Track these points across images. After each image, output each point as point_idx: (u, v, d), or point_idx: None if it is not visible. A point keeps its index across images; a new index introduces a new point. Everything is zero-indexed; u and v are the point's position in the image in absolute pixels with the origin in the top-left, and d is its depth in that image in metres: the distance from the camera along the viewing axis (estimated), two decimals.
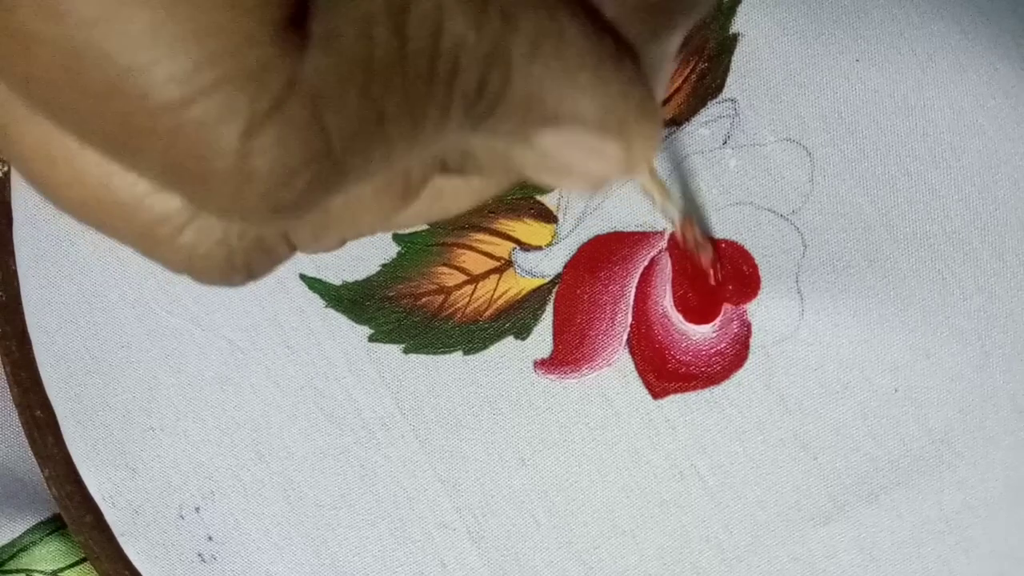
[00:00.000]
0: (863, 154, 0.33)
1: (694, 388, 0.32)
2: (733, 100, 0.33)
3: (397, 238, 0.34)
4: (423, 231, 0.34)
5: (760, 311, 0.32)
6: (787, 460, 0.32)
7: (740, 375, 0.32)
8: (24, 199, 0.35)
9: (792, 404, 0.32)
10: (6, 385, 0.35)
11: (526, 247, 0.33)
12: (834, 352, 0.32)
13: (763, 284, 0.32)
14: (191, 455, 0.33)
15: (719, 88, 0.33)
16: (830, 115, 0.33)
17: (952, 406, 0.32)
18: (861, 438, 0.32)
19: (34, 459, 0.34)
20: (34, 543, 0.35)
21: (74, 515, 0.33)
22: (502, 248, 0.33)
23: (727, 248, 0.33)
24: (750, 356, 0.32)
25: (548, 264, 0.33)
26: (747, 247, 0.32)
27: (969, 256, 0.32)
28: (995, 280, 0.32)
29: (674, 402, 0.32)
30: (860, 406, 0.32)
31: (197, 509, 0.33)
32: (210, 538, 0.33)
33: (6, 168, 0.36)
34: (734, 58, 0.33)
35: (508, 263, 0.33)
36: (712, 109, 0.33)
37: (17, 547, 0.35)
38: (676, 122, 0.33)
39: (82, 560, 0.34)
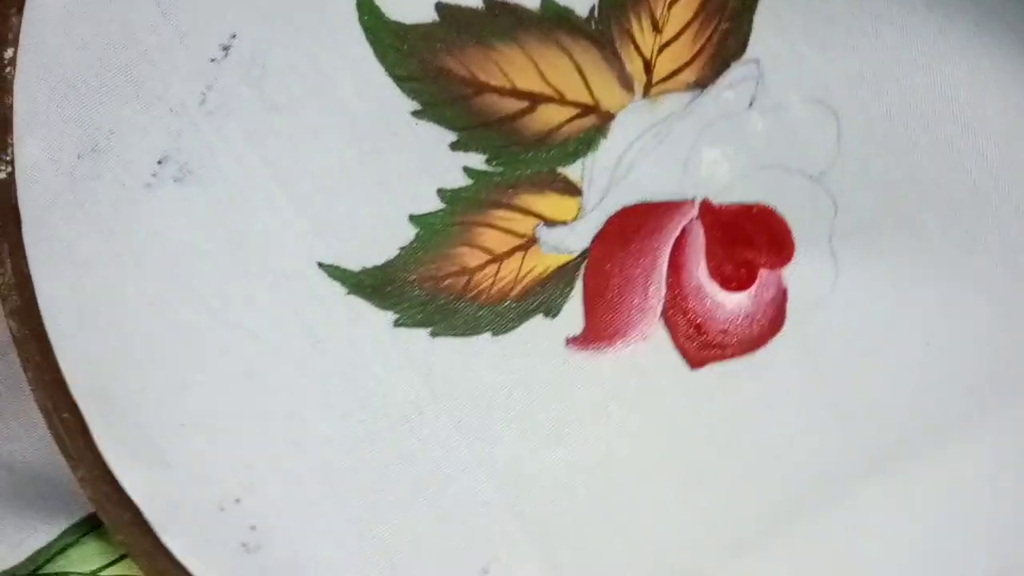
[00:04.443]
0: (887, 113, 0.30)
1: (731, 355, 0.30)
2: (757, 61, 0.29)
3: (413, 219, 0.30)
4: (440, 210, 0.30)
5: (795, 275, 0.30)
6: (825, 422, 0.29)
7: (777, 340, 0.29)
8: (32, 200, 0.31)
9: (828, 365, 0.30)
10: (28, 389, 0.32)
11: (550, 222, 0.30)
12: (868, 311, 0.29)
13: (797, 247, 0.29)
14: (226, 448, 0.30)
15: (742, 48, 0.29)
16: (853, 74, 0.29)
17: (981, 359, 0.29)
18: (896, 397, 0.29)
19: (63, 461, 0.31)
20: (71, 545, 0.32)
21: (112, 515, 0.30)
22: (525, 224, 0.30)
23: (759, 213, 0.30)
24: (786, 321, 0.29)
25: (574, 239, 0.30)
26: (779, 211, 0.29)
27: (988, 212, 0.29)
28: (1017, 235, 0.29)
29: (712, 370, 0.30)
30: (894, 363, 0.29)
31: (237, 500, 0.30)
32: (253, 528, 0.30)
33: (10, 169, 0.32)
34: (756, 17, 0.29)
35: (532, 240, 0.30)
36: (736, 71, 0.29)
37: (54, 550, 0.32)
38: (700, 85, 0.30)
39: (120, 558, 0.32)
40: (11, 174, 0.32)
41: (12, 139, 0.32)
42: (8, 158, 0.33)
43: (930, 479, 0.30)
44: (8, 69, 0.32)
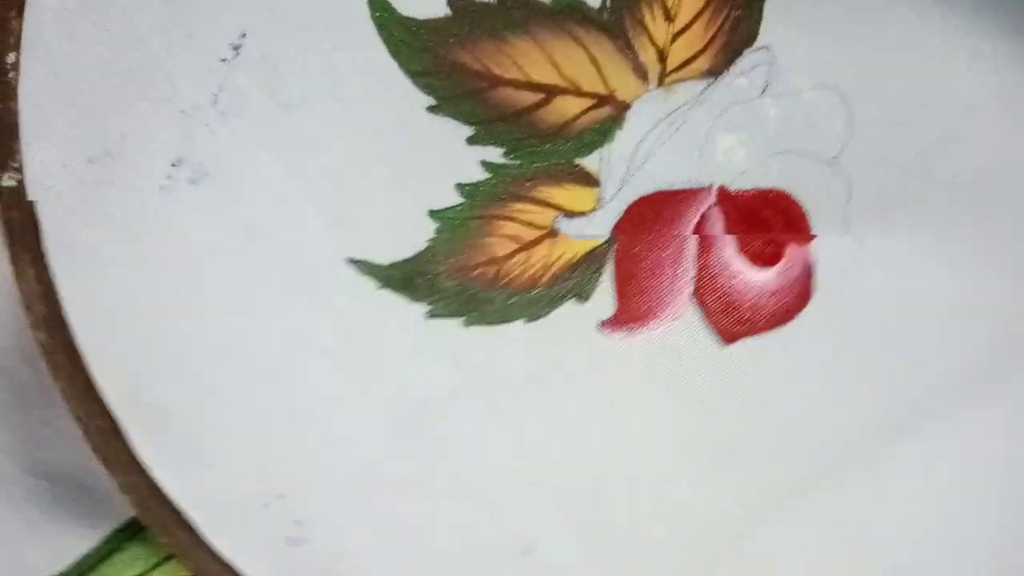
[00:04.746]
0: (893, 98, 0.28)
1: (761, 330, 0.29)
2: (768, 48, 0.28)
3: (433, 215, 0.29)
4: (459, 205, 0.28)
5: (818, 252, 0.29)
6: (853, 391, 0.29)
7: (804, 315, 0.29)
8: (48, 208, 0.31)
9: (854, 337, 0.29)
10: (57, 396, 0.32)
11: (570, 214, 0.28)
12: (886, 286, 0.29)
13: (814, 230, 0.29)
14: (265, 446, 0.29)
15: (753, 36, 0.28)
16: (860, 59, 0.28)
17: (994, 328, 0.29)
18: (917, 364, 0.29)
19: (99, 467, 0.31)
20: (114, 550, 0.31)
21: (155, 518, 0.29)
22: (545, 217, 0.28)
23: (775, 198, 0.28)
24: (813, 296, 0.29)
25: (594, 230, 0.28)
26: (794, 195, 0.28)
27: (992, 194, 0.29)
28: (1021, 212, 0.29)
29: (743, 346, 0.29)
30: (913, 334, 0.29)
31: (280, 496, 0.29)
32: (298, 522, 0.29)
33: (20, 176, 0.31)
34: (765, 5, 0.28)
35: (554, 232, 0.29)
36: (748, 59, 0.28)
37: (98, 556, 0.31)
38: (713, 73, 0.28)
39: (164, 560, 0.31)
40: (21, 182, 0.32)
41: (20, 146, 0.31)
42: (17, 165, 0.29)
43: (953, 443, 0.29)
44: (11, 74, 0.28)
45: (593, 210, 0.28)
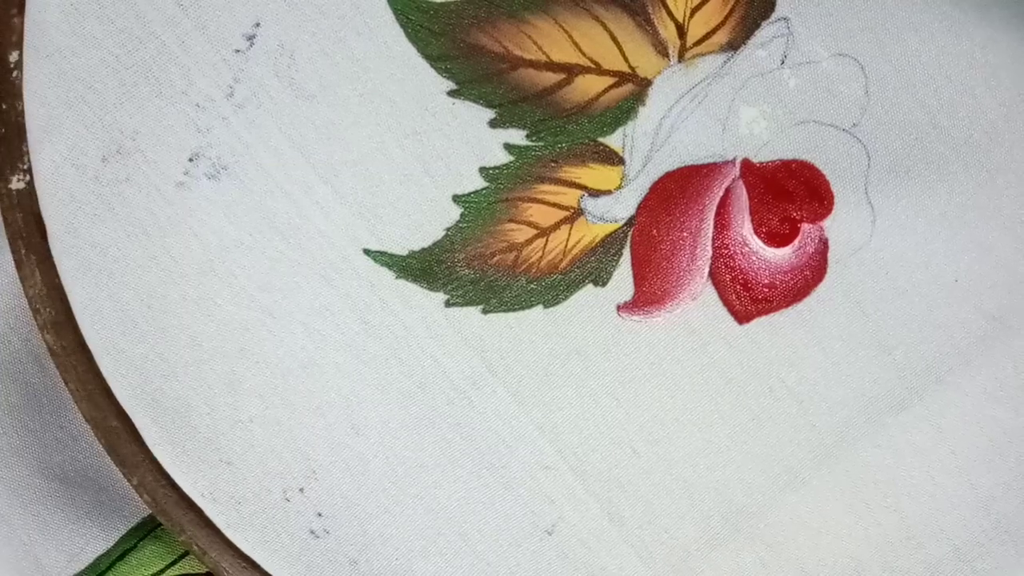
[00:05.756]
0: (908, 62, 0.28)
1: (777, 308, 0.29)
2: (786, 19, 0.28)
3: (457, 200, 0.28)
4: (484, 189, 0.28)
5: (835, 225, 0.28)
6: (866, 360, 0.29)
7: (820, 289, 0.29)
8: (57, 208, 0.30)
9: (869, 308, 0.29)
10: (68, 398, 0.31)
11: (595, 193, 0.28)
12: (903, 254, 0.29)
13: (836, 199, 0.28)
14: (286, 440, 0.28)
15: (771, 8, 0.28)
16: (876, 26, 0.28)
17: (1002, 287, 0.29)
18: (929, 329, 0.29)
19: (112, 467, 0.30)
20: (130, 550, 0.30)
21: (173, 517, 0.28)
22: (570, 197, 0.28)
23: (799, 168, 0.28)
24: (828, 270, 0.29)
25: (619, 208, 0.28)
26: (817, 164, 0.28)
27: (1004, 151, 0.29)
28: None
29: (759, 324, 0.29)
30: (926, 300, 0.29)
31: (301, 490, 0.29)
32: (320, 514, 0.29)
33: (28, 178, 0.31)
34: None
35: (578, 212, 0.28)
36: (766, 30, 0.28)
37: (114, 556, 0.30)
38: (733, 46, 0.28)
39: (179, 558, 0.31)
40: (30, 183, 0.28)
41: (27, 147, 0.30)
42: (25, 167, 0.28)
43: (957, 402, 0.29)
44: (15, 73, 0.28)
45: (619, 188, 0.28)
